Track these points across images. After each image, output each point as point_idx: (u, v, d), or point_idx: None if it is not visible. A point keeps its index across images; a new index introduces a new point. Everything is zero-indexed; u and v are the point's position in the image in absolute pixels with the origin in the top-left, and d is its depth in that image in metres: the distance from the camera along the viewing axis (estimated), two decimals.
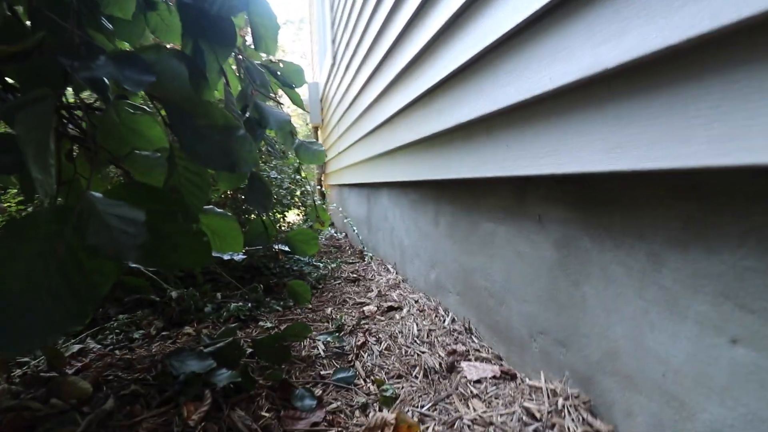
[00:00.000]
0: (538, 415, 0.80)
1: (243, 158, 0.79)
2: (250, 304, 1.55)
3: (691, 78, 0.54)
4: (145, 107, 1.00)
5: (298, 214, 3.12)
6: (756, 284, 0.54)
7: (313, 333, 1.35)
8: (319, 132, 5.42)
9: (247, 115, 1.17)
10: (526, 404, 0.84)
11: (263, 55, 1.34)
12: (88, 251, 0.52)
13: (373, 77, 2.22)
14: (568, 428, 0.75)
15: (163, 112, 0.76)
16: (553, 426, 0.77)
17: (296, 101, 1.39)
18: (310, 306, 1.66)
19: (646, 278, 0.69)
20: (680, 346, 0.64)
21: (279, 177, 2.28)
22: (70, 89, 0.88)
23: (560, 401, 0.82)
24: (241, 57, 1.22)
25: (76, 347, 1.27)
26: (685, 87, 0.55)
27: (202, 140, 0.74)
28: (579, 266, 0.85)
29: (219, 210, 1.07)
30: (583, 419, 0.76)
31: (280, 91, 1.48)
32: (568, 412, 0.78)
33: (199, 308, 1.50)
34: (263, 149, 1.96)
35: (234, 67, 1.26)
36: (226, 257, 1.18)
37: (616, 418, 0.75)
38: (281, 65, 1.29)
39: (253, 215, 2.02)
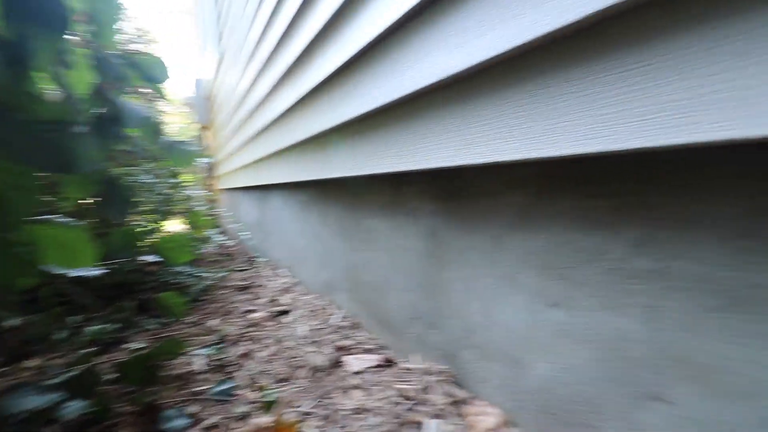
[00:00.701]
0: (410, 395, 0.85)
1: (81, 156, 0.70)
2: (116, 326, 1.38)
3: (510, 86, 0.63)
4: None
5: (182, 223, 2.86)
6: (567, 255, 0.65)
7: (191, 348, 1.25)
8: (208, 133, 5.05)
9: (101, 111, 1.04)
10: (399, 386, 0.89)
11: (123, 47, 1.20)
12: None
13: (262, 73, 2.14)
14: (435, 402, 0.82)
15: None
16: (423, 402, 0.83)
17: (162, 95, 1.28)
18: (193, 320, 1.53)
19: (492, 259, 0.79)
20: (518, 315, 0.74)
21: (153, 181, 2.07)
22: None
23: (430, 379, 0.88)
24: (90, 46, 1.07)
25: None
26: (508, 93, 0.64)
27: (22, 135, 0.64)
28: (443, 253, 0.93)
29: (63, 219, 0.93)
30: (448, 392, 0.84)
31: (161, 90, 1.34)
32: (436, 387, 0.85)
33: (49, 336, 1.28)
34: (128, 149, 1.76)
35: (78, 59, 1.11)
36: (76, 273, 1.03)
37: (474, 386, 0.84)
38: (140, 57, 1.17)
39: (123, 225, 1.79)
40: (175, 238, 1.15)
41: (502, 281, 0.77)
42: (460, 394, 0.83)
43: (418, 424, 0.76)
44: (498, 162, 0.66)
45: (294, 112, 1.65)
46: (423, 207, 1.00)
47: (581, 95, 0.52)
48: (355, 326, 1.32)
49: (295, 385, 1.00)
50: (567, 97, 0.53)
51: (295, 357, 1.15)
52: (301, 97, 1.50)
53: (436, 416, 0.78)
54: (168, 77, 1.18)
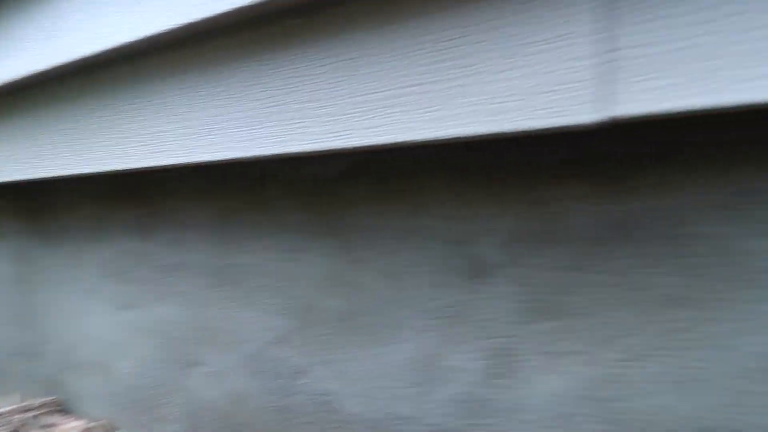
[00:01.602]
0: None
1: None
2: None
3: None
4: None
5: None
6: (129, 260, 0.72)
7: None
8: None
9: None
10: None
11: None
12: None
13: None
14: None
15: None
16: None
17: None
18: None
19: (77, 274, 0.78)
20: (102, 324, 0.76)
21: None
22: None
23: (27, 416, 0.80)
24: None
25: None
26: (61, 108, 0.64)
27: None
28: (33, 275, 0.85)
29: None
30: (46, 423, 0.79)
31: None
32: (33, 422, 0.78)
33: None
34: None
35: None
36: None
37: (77, 406, 0.82)
38: None
39: None
40: None
41: (87, 294, 0.78)
42: (60, 419, 0.79)
43: None
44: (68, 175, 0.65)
45: None
46: (12, 227, 0.88)
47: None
48: None
49: None
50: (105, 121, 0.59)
51: None
52: None
53: None
54: None
